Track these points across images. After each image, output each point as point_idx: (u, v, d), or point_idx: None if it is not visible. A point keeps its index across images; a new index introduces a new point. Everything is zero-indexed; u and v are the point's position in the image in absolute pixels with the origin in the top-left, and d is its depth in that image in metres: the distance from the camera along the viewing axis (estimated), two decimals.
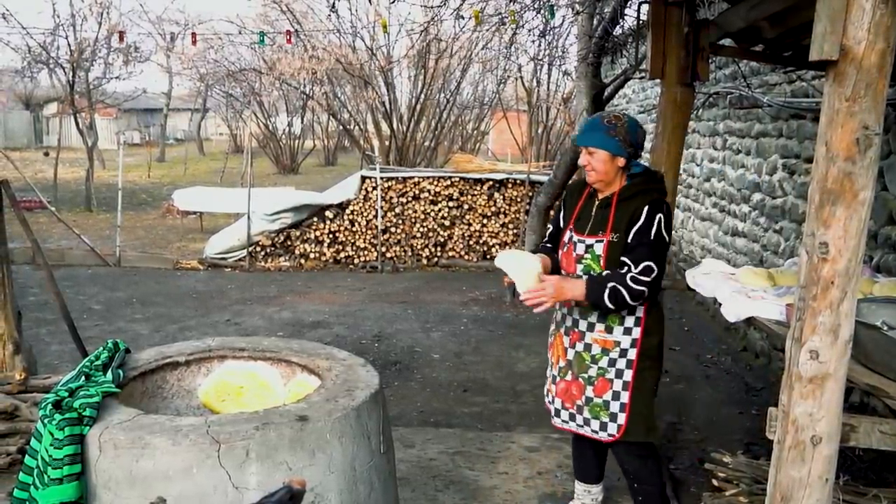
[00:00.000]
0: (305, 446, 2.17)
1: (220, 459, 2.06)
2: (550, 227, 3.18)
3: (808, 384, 2.06)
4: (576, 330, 2.96)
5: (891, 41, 1.87)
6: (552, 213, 5.47)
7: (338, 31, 14.97)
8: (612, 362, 2.89)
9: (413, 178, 9.90)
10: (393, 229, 9.78)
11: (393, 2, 7.12)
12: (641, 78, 8.17)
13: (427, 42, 14.42)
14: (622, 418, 2.89)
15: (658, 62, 3.73)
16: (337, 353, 2.86)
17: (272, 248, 9.76)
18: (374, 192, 9.68)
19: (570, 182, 4.49)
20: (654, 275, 2.72)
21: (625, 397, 2.88)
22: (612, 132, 2.78)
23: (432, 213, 9.82)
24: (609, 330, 2.89)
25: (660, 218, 2.76)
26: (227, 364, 2.88)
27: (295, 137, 24.49)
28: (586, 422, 2.97)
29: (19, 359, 4.08)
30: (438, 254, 9.92)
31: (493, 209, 9.85)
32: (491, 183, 9.82)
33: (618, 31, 7.47)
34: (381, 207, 9.68)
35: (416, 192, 9.82)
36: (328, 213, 9.75)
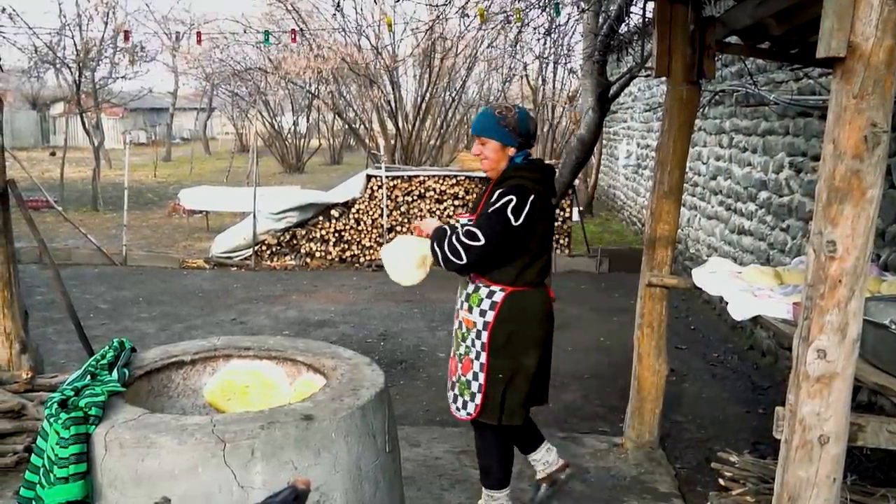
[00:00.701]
0: (311, 445, 2.17)
1: (225, 459, 2.06)
2: None
3: (816, 383, 2.05)
4: (457, 308, 3.10)
5: None
6: None
7: (343, 30, 14.96)
8: (473, 343, 2.98)
9: (418, 176, 9.89)
10: (398, 228, 9.77)
11: (398, 0, 7.10)
12: (647, 76, 8.15)
13: (432, 41, 14.42)
14: (479, 399, 2.97)
15: (664, 60, 3.71)
16: (342, 352, 2.86)
17: (278, 247, 9.76)
18: (380, 190, 9.68)
19: None
20: (477, 242, 2.78)
21: (481, 378, 2.96)
22: (503, 123, 2.91)
23: (438, 212, 9.81)
24: (470, 309, 3.00)
25: (509, 199, 2.81)
26: (233, 363, 2.88)
27: (300, 136, 24.52)
28: (454, 398, 3.08)
29: (26, 358, 4.09)
30: None
31: None
32: None
33: (623, 28, 7.44)
34: (387, 206, 9.68)
35: (422, 190, 9.81)
36: (334, 212, 9.75)
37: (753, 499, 3.17)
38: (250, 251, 9.64)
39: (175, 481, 2.05)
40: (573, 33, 11.17)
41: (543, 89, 17.19)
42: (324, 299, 7.86)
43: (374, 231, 9.76)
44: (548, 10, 7.62)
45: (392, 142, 15.94)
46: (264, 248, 9.72)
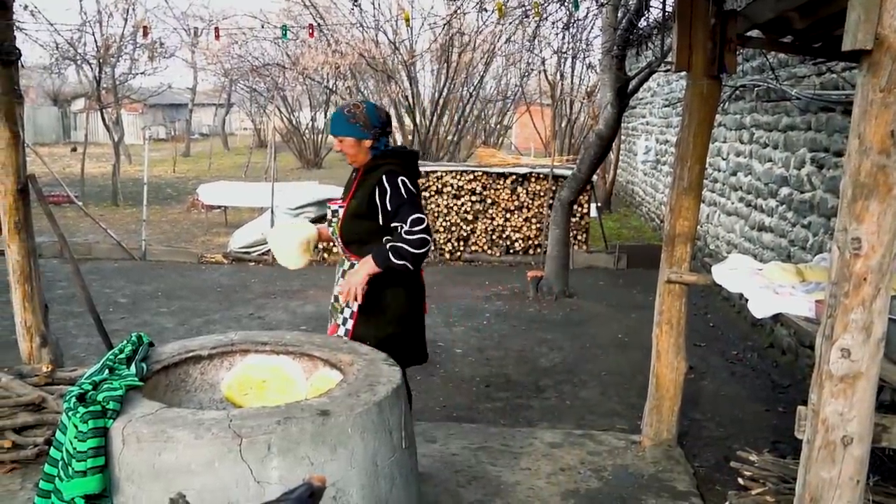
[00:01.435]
0: (327, 441, 2.17)
1: (241, 453, 2.06)
2: None
3: (840, 383, 2.02)
4: (336, 284, 3.28)
5: None
6: None
7: (361, 26, 14.99)
8: (342, 311, 3.20)
9: (436, 172, 9.87)
10: None
11: None
12: (667, 71, 8.07)
13: (450, 36, 14.39)
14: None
15: (684, 54, 3.67)
16: (359, 348, 2.86)
17: None
18: None
19: None
20: (424, 224, 2.98)
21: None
22: (353, 120, 3.11)
23: (455, 208, 9.80)
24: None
25: (401, 180, 3.04)
26: (250, 358, 2.89)
27: (318, 132, 24.59)
28: None
29: (46, 351, 4.13)
30: (461, 248, 9.90)
31: (516, 203, 9.81)
32: (514, 177, 9.78)
33: (643, 22, 7.39)
34: None
35: (439, 186, 9.80)
36: None
37: (773, 498, 3.14)
38: (268, 246, 9.68)
39: (192, 476, 2.06)
40: (592, 28, 11.12)
41: (562, 84, 17.10)
42: None
43: None
44: (567, 4, 7.58)
45: (409, 137, 15.94)
46: None
